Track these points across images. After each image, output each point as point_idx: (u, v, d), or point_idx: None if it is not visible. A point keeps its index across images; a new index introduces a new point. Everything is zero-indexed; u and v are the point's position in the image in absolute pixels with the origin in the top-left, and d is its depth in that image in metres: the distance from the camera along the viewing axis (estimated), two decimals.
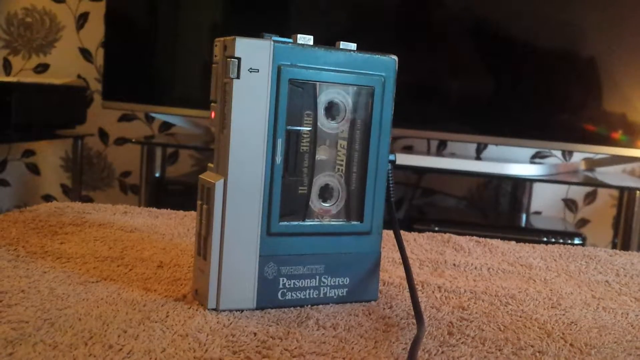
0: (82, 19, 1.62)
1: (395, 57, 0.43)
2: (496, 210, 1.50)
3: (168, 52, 1.38)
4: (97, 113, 1.61)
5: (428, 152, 1.46)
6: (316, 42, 0.41)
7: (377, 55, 0.43)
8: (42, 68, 1.65)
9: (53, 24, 1.63)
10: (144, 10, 1.39)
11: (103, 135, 1.65)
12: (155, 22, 1.39)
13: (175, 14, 1.38)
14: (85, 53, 1.63)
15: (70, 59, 1.63)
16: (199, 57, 1.37)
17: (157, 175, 1.41)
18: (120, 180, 1.66)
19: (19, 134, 1.37)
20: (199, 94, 1.35)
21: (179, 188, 1.42)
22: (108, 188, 1.67)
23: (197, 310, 0.40)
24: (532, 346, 0.38)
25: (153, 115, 1.55)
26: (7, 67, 1.66)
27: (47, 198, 1.69)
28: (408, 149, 1.50)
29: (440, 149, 1.51)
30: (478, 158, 1.42)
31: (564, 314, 0.44)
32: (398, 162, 1.19)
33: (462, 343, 0.38)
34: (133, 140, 1.38)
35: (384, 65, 0.43)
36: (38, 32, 1.64)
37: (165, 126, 1.61)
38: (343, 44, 0.42)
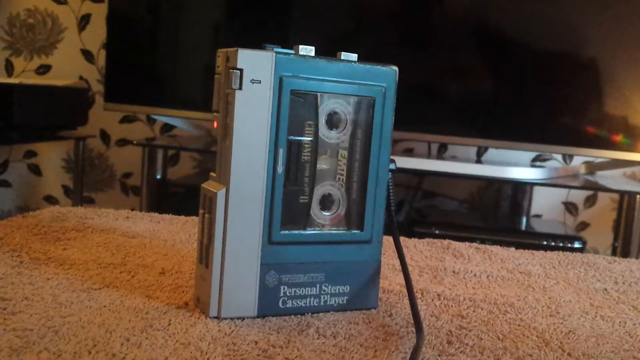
0: (84, 21, 1.63)
1: (395, 68, 0.44)
2: (496, 213, 1.51)
3: (170, 54, 1.39)
4: (99, 114, 1.61)
5: (429, 155, 1.46)
6: (317, 51, 0.42)
7: (377, 66, 0.43)
8: (44, 69, 1.65)
9: (55, 26, 1.64)
10: (145, 12, 1.39)
11: (104, 136, 1.66)
12: (157, 24, 1.40)
13: (176, 16, 1.38)
14: (87, 54, 1.63)
15: (72, 60, 1.64)
16: (200, 59, 1.37)
17: (158, 177, 1.41)
18: (122, 182, 1.67)
19: (21, 135, 1.38)
20: (201, 96, 1.35)
21: (180, 190, 1.43)
22: (109, 189, 1.67)
23: (198, 318, 0.40)
24: (530, 355, 0.38)
25: (154, 117, 1.56)
26: (9, 69, 1.66)
27: (49, 199, 1.69)
28: (409, 152, 1.51)
29: (441, 152, 1.52)
30: (478, 161, 1.42)
31: (562, 323, 0.45)
32: (399, 165, 1.19)
33: (461, 352, 0.38)
34: (134, 142, 1.39)
35: (385, 76, 0.43)
36: (40, 33, 1.64)
37: (167, 128, 1.62)
38: (344, 55, 0.43)
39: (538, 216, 1.53)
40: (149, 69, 1.40)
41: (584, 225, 1.53)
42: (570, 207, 1.53)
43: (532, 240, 1.23)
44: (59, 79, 1.59)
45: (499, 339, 0.41)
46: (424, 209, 1.51)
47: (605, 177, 1.38)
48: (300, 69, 0.41)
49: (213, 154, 1.38)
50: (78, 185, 1.55)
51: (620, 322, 0.46)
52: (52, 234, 0.57)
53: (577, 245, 1.24)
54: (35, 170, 1.69)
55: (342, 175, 0.43)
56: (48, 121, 1.43)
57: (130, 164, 1.65)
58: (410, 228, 1.24)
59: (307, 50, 0.41)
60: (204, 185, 0.42)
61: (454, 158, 1.45)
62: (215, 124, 0.42)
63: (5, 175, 1.70)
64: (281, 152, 0.41)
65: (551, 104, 1.26)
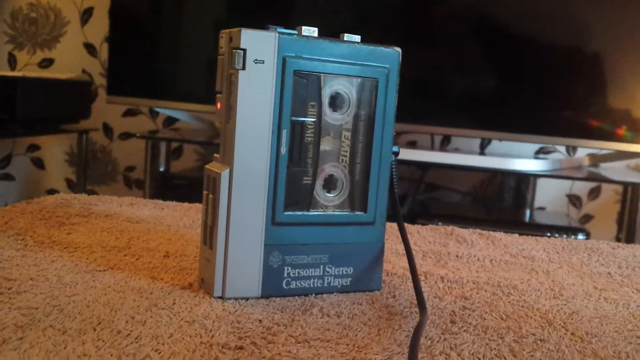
0: (86, 14, 1.63)
1: (399, 49, 0.44)
2: (500, 205, 1.51)
3: (172, 47, 1.39)
4: (102, 108, 1.62)
5: (432, 147, 1.46)
6: (320, 35, 0.42)
7: (381, 47, 0.43)
8: (47, 63, 1.65)
9: (58, 19, 1.64)
10: (148, 6, 1.39)
11: (107, 130, 1.66)
12: (160, 17, 1.40)
13: (179, 9, 1.38)
14: (90, 48, 1.64)
15: (75, 54, 1.64)
16: (203, 52, 1.37)
17: (161, 170, 1.42)
18: (125, 175, 1.67)
19: (24, 129, 1.38)
20: (203, 89, 1.35)
21: (183, 183, 1.43)
22: (112, 183, 1.68)
23: (203, 298, 0.40)
24: (533, 334, 0.39)
25: (157, 110, 1.56)
26: (12, 62, 1.67)
27: (52, 192, 1.70)
28: (412, 144, 1.51)
29: (444, 144, 1.52)
30: (482, 153, 1.42)
31: (565, 304, 0.45)
32: (402, 157, 1.19)
33: (464, 331, 0.38)
34: (137, 135, 1.39)
35: (388, 57, 0.43)
36: (43, 27, 1.65)
37: (170, 121, 1.62)
38: (347, 36, 0.43)
39: (542, 208, 1.53)
40: (151, 62, 1.40)
41: (587, 218, 1.53)
42: (574, 199, 1.53)
43: (536, 232, 1.23)
44: (62, 73, 1.59)
45: (502, 319, 0.41)
46: (427, 202, 1.51)
47: (609, 169, 1.38)
48: (304, 49, 0.41)
49: (216, 147, 1.38)
50: (81, 178, 1.56)
51: (623, 304, 0.46)
52: (56, 219, 0.58)
53: (580, 237, 1.23)
54: (39, 163, 1.70)
55: (345, 156, 0.44)
56: (51, 115, 1.44)
57: (133, 157, 1.65)
58: (413, 220, 1.24)
59: (310, 31, 0.42)
60: (207, 166, 0.42)
61: (457, 150, 1.45)
62: (218, 106, 0.42)
63: (8, 169, 1.70)
64: (284, 133, 0.41)
65: (555, 95, 1.26)
